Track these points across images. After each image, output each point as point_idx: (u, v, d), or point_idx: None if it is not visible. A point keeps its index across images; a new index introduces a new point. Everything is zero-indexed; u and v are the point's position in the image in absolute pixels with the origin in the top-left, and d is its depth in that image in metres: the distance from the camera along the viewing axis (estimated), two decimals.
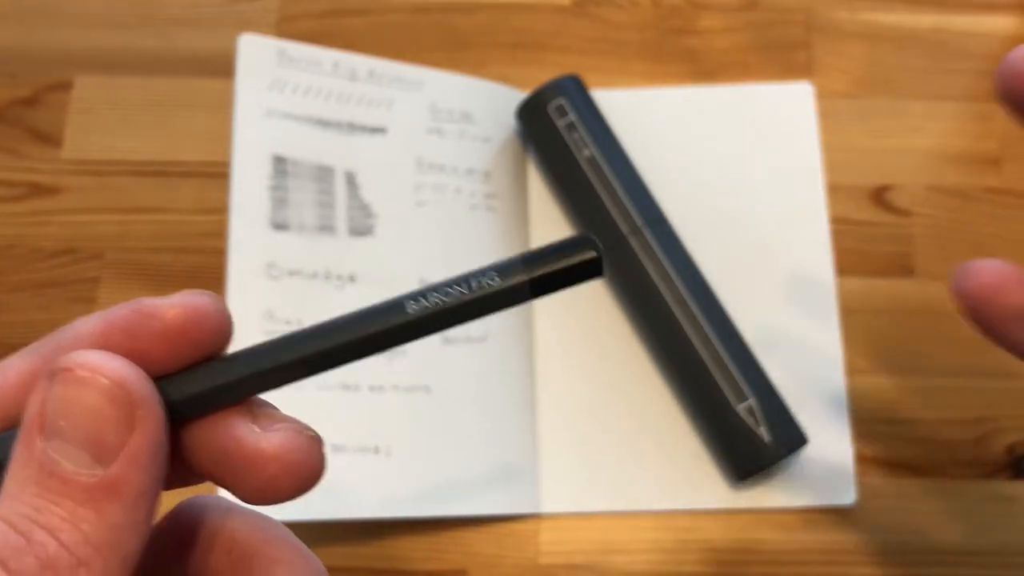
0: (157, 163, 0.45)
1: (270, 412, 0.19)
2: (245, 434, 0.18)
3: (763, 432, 0.39)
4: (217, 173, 0.44)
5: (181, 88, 0.46)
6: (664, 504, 0.41)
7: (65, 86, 0.46)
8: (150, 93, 0.46)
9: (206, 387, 0.18)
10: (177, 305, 0.18)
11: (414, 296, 0.18)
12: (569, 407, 0.42)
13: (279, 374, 0.18)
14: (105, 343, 0.17)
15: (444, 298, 0.18)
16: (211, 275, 0.43)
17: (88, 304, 0.43)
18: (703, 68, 0.47)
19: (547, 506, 0.41)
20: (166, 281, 0.43)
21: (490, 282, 0.18)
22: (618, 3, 0.48)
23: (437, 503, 0.40)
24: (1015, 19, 0.48)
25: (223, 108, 0.45)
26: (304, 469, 0.18)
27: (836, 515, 0.41)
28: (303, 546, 0.19)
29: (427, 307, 0.18)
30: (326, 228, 0.43)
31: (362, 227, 0.43)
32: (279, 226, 0.42)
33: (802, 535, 0.41)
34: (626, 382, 0.43)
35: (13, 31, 0.47)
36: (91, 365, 0.16)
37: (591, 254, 0.18)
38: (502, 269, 0.18)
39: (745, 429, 0.39)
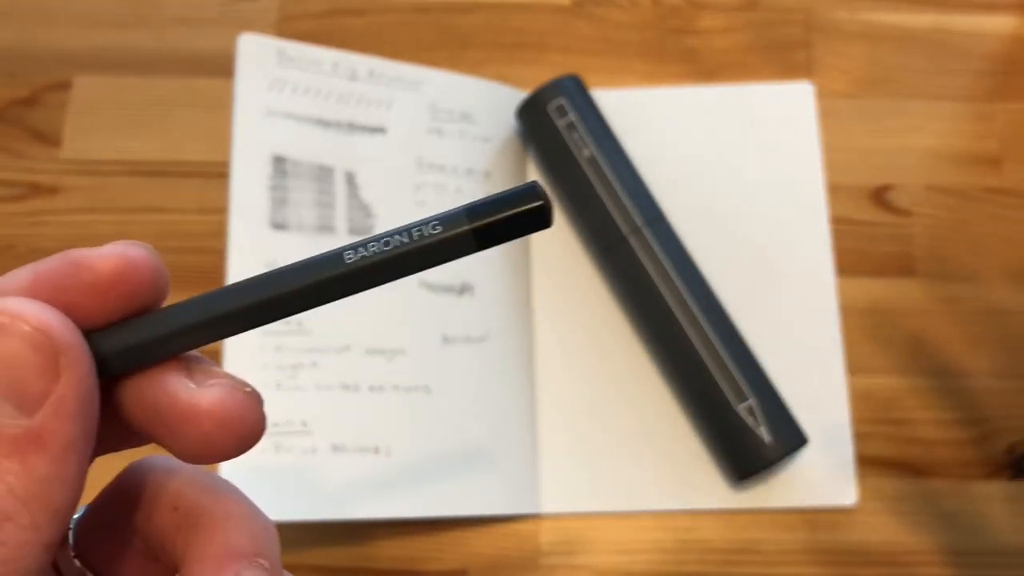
0: (157, 163, 0.45)
1: (206, 368, 0.18)
2: (179, 390, 0.17)
3: (763, 432, 0.39)
4: (217, 173, 0.44)
5: (181, 88, 0.46)
6: (664, 504, 0.41)
7: (64, 86, 0.46)
8: (150, 93, 0.46)
9: (139, 340, 0.17)
10: (109, 256, 0.17)
11: (353, 247, 0.17)
12: (569, 407, 0.42)
13: (215, 327, 0.17)
14: (32, 295, 0.17)
15: (384, 247, 0.17)
16: (211, 275, 0.43)
17: None
18: (703, 68, 0.47)
19: (547, 506, 0.41)
20: None
21: (432, 231, 0.17)
22: (618, 3, 0.48)
23: (437, 503, 0.40)
24: (1015, 19, 0.48)
25: (223, 108, 0.44)
26: (240, 425, 0.17)
27: (836, 515, 0.41)
28: (250, 501, 0.19)
29: (366, 257, 0.17)
30: (326, 228, 0.43)
31: (362, 227, 0.43)
32: (279, 226, 0.42)
33: (802, 535, 0.41)
34: (626, 382, 0.43)
35: (13, 31, 0.47)
36: (12, 311, 0.16)
37: (536, 202, 0.17)
38: (445, 219, 0.17)
39: (745, 429, 0.39)
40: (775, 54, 0.48)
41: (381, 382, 0.41)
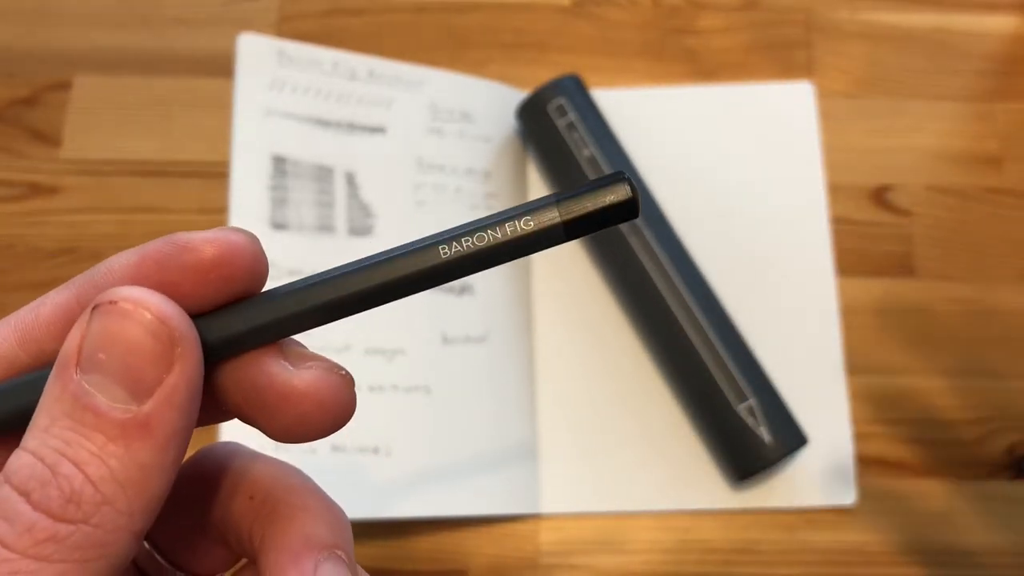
0: (157, 163, 0.45)
1: (300, 351, 0.18)
2: (278, 371, 0.17)
3: (763, 432, 0.39)
4: (217, 173, 0.44)
5: (181, 88, 0.46)
6: (664, 504, 0.41)
7: (64, 86, 0.46)
8: (150, 93, 0.46)
9: (242, 328, 0.17)
10: (213, 240, 0.17)
11: (447, 239, 0.17)
12: (569, 407, 0.42)
13: (315, 315, 0.18)
14: (139, 276, 0.17)
15: (478, 241, 0.17)
16: None
17: None
18: (703, 68, 0.47)
19: (547, 506, 0.41)
20: None
21: (524, 225, 0.17)
22: (618, 3, 0.48)
23: (437, 503, 0.40)
24: (1015, 19, 0.48)
25: (223, 108, 0.44)
26: (336, 406, 0.18)
27: (836, 515, 0.41)
28: (326, 495, 0.19)
29: (459, 250, 0.17)
30: (326, 228, 0.43)
31: (362, 227, 0.43)
32: (279, 226, 0.42)
33: (802, 535, 0.41)
34: (626, 382, 0.43)
35: (13, 31, 0.47)
36: (135, 299, 0.16)
37: (625, 194, 0.17)
38: (535, 211, 0.17)
39: (745, 429, 0.39)
40: (775, 54, 0.48)
41: (381, 382, 0.41)
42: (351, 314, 0.18)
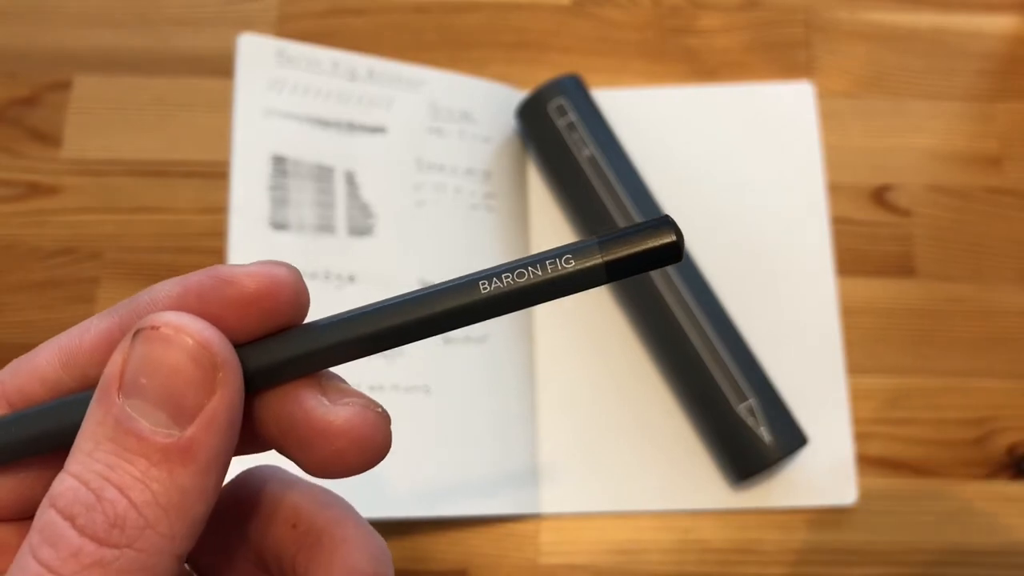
0: (157, 163, 0.45)
1: (339, 385, 0.18)
2: (315, 406, 0.18)
3: (763, 432, 0.39)
4: (217, 173, 0.44)
5: (181, 88, 0.46)
6: (664, 504, 0.41)
7: (64, 86, 0.46)
8: (150, 93, 0.46)
9: (282, 357, 0.18)
10: (255, 274, 0.17)
11: (487, 276, 0.18)
12: (569, 407, 0.42)
13: (353, 348, 0.18)
14: (181, 307, 0.17)
15: (518, 279, 0.17)
16: None
17: (88, 304, 0.43)
18: (703, 68, 0.47)
19: (547, 506, 0.41)
20: None
21: (565, 264, 0.17)
22: (618, 3, 0.48)
23: (437, 503, 0.40)
24: (1015, 19, 0.48)
25: (223, 108, 0.44)
26: (371, 445, 0.18)
27: (836, 515, 0.41)
28: (368, 525, 0.19)
29: (500, 287, 0.17)
30: (326, 228, 0.43)
31: (362, 227, 0.43)
32: (279, 226, 0.42)
33: (802, 535, 0.41)
34: (626, 382, 0.43)
35: (13, 31, 0.47)
36: (176, 324, 0.16)
37: (670, 237, 0.17)
38: (577, 251, 0.17)
39: (745, 429, 0.39)
40: (775, 54, 0.48)
41: (381, 382, 0.41)
42: (390, 347, 0.18)
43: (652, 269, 0.17)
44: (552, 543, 0.41)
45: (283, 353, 0.18)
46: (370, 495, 0.39)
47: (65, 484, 0.16)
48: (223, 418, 0.16)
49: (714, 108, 0.46)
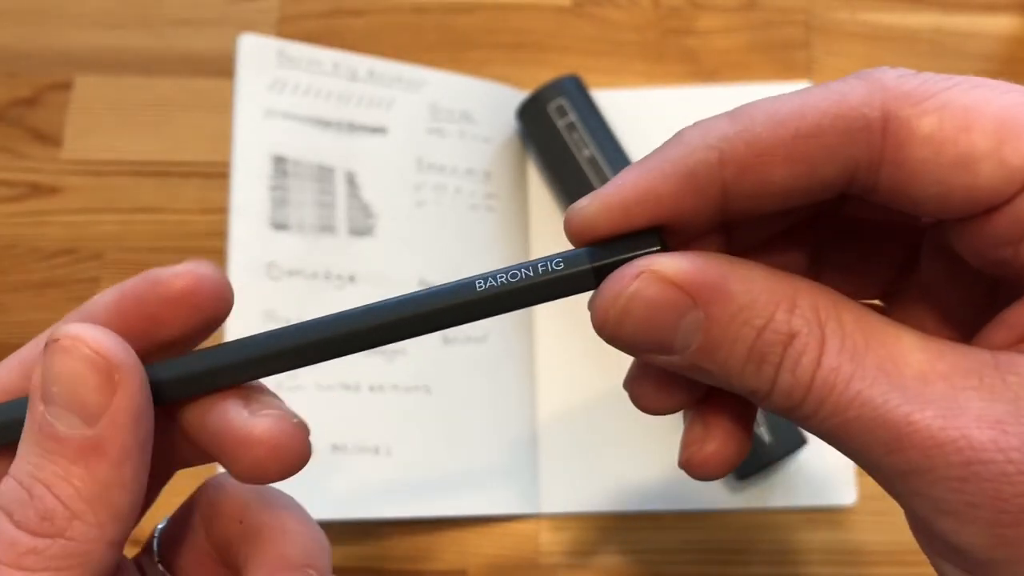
0: (157, 163, 0.45)
1: (262, 398, 0.20)
2: (234, 417, 0.19)
3: (763, 432, 0.39)
4: (217, 173, 0.44)
5: (181, 88, 0.46)
6: (664, 504, 0.41)
7: (65, 86, 0.46)
8: (150, 93, 0.46)
9: (198, 368, 0.19)
10: (181, 274, 0.19)
11: (483, 277, 0.18)
12: (569, 407, 0.42)
13: (271, 362, 0.19)
14: (120, 311, 0.19)
15: (511, 279, 0.18)
16: None
17: None
18: (703, 68, 0.47)
19: (547, 506, 0.41)
20: None
21: (556, 267, 0.18)
22: (618, 3, 0.49)
23: (437, 503, 0.40)
24: (1015, 19, 0.48)
25: (223, 108, 0.45)
26: (288, 454, 0.19)
27: (836, 515, 0.41)
28: (310, 520, 0.21)
29: (494, 286, 0.18)
30: (326, 228, 0.43)
31: (362, 227, 0.43)
32: (279, 226, 0.42)
33: (802, 535, 0.41)
34: None
35: (13, 31, 0.47)
36: (74, 335, 0.18)
37: (655, 246, 0.18)
38: (568, 257, 0.18)
39: None
40: (775, 54, 0.48)
41: (381, 382, 0.41)
42: (308, 364, 0.19)
43: None
44: (552, 543, 0.41)
45: (198, 365, 0.19)
46: (370, 495, 0.39)
47: (6, 484, 0.18)
48: (126, 414, 0.18)
49: (714, 109, 0.46)
